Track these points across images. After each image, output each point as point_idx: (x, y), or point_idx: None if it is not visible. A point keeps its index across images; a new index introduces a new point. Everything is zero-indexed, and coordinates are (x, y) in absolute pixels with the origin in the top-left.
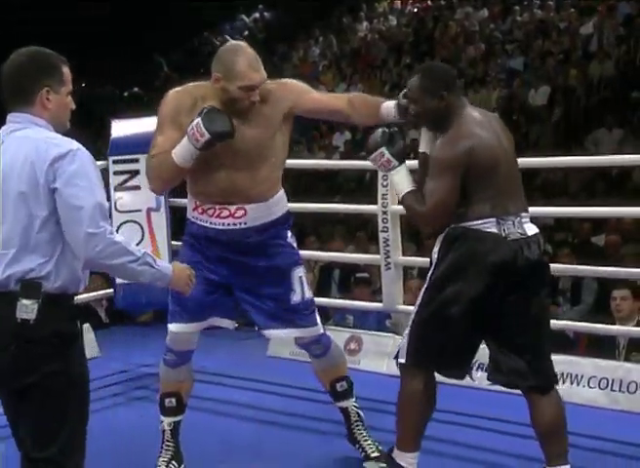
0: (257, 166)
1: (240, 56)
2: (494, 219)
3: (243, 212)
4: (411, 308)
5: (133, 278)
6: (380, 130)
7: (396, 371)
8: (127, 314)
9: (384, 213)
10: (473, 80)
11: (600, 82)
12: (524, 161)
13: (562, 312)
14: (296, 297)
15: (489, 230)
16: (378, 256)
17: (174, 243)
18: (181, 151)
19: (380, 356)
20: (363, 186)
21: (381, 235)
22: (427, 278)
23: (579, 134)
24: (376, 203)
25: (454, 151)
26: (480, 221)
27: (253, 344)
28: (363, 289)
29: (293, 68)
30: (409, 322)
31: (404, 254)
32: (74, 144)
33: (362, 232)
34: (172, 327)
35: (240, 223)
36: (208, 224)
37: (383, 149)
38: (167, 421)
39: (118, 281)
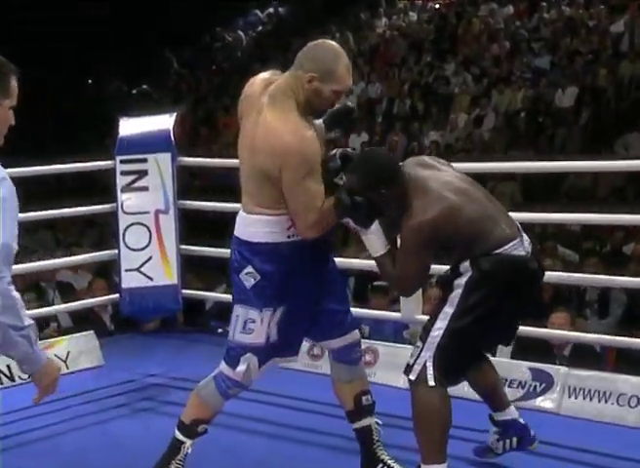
0: None
1: (341, 59)
2: (518, 240)
3: None
4: None
5: (2, 346)
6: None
7: None
8: (133, 321)
9: None
10: (497, 79)
11: (631, 83)
12: (549, 165)
13: (589, 325)
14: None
15: (519, 253)
16: None
17: (183, 247)
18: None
19: (396, 368)
20: None
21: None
22: (453, 303)
23: (608, 137)
24: None
25: (419, 233)
26: (509, 245)
27: None
28: (380, 298)
29: None
30: (429, 341)
31: None
32: (1, 172)
33: None
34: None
35: None
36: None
37: (349, 221)
38: (189, 443)
39: (124, 285)
